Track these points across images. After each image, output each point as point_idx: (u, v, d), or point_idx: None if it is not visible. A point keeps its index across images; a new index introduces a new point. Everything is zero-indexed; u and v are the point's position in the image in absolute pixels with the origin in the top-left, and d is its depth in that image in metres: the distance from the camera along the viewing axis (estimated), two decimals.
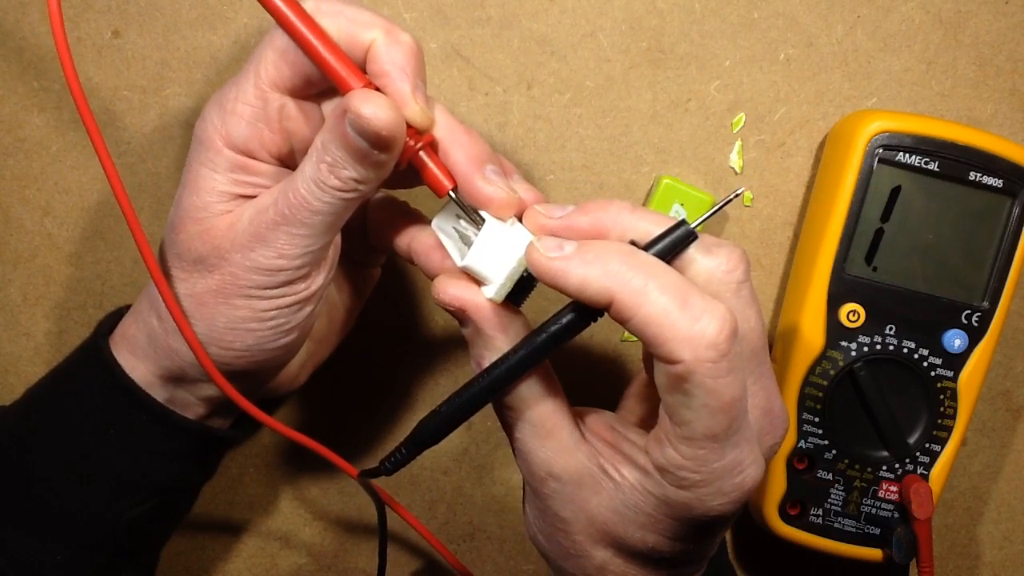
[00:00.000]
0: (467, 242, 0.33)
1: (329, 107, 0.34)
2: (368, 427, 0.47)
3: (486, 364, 0.32)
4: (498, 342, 0.32)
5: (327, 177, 0.31)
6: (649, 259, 0.29)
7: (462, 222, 0.33)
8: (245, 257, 0.32)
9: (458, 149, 0.32)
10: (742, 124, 0.44)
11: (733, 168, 0.45)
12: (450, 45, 0.43)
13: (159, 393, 0.36)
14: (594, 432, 0.34)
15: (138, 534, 0.37)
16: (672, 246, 0.30)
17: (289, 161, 0.34)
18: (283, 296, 0.34)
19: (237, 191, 0.33)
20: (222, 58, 0.42)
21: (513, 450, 0.34)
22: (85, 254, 0.44)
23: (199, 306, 0.34)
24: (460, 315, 0.32)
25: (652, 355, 0.28)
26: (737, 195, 0.32)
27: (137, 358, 0.36)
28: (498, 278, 0.32)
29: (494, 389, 0.32)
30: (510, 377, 0.31)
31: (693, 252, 0.30)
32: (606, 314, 0.29)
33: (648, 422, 0.35)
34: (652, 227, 0.30)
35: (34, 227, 0.44)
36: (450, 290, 0.32)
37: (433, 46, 0.43)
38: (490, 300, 0.32)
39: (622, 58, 0.43)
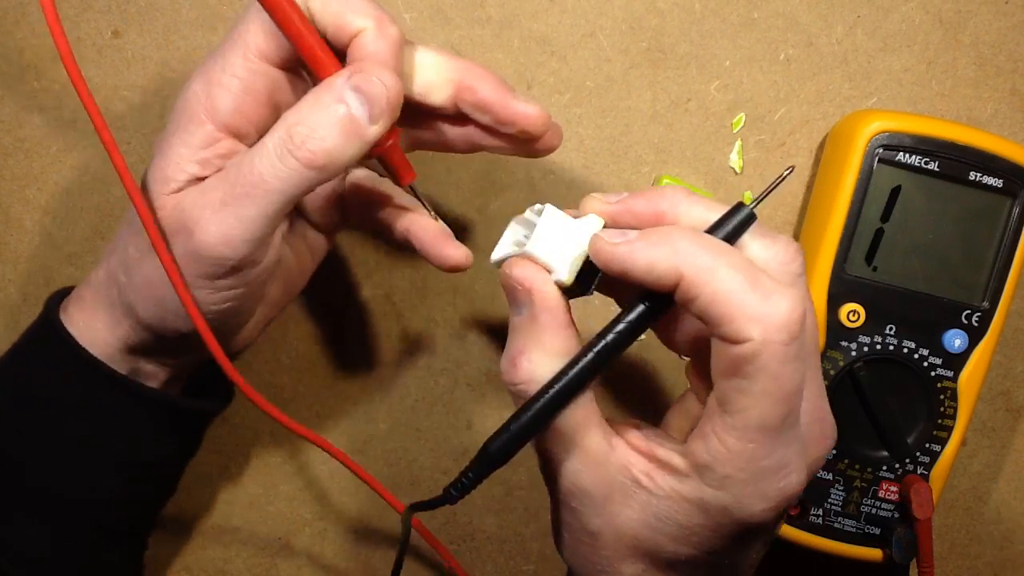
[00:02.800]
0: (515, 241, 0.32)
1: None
2: (366, 426, 0.47)
3: (523, 360, 0.30)
4: (547, 336, 0.30)
5: (297, 148, 0.30)
6: (716, 240, 0.28)
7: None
8: (188, 241, 0.31)
9: (482, 82, 0.33)
10: (742, 124, 0.44)
11: (733, 168, 0.45)
12: (450, 45, 0.43)
13: (121, 366, 0.35)
14: (626, 441, 0.31)
15: (118, 512, 0.37)
16: (734, 229, 0.29)
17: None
18: (231, 288, 0.33)
19: (202, 172, 0.31)
20: None
21: (538, 456, 0.32)
22: (85, 254, 0.44)
23: (147, 287, 0.33)
24: (522, 297, 0.30)
25: (717, 337, 0.27)
26: (791, 171, 0.31)
27: (97, 331, 0.35)
28: (561, 267, 0.30)
29: (570, 392, 0.29)
30: (584, 380, 0.29)
31: (749, 240, 0.29)
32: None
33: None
34: (707, 212, 0.29)
35: (34, 227, 0.44)
36: (517, 271, 0.30)
37: (433, 46, 0.43)
38: (558, 283, 0.30)
39: (622, 58, 0.43)
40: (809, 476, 0.30)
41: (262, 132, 0.32)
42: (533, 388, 0.30)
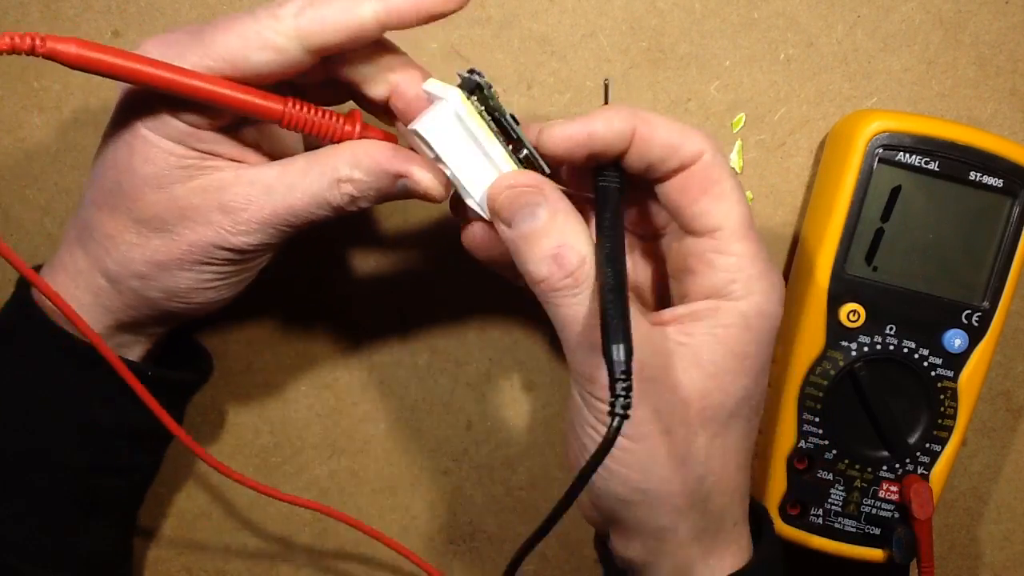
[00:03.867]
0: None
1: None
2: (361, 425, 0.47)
3: (566, 250, 0.31)
4: (572, 220, 0.32)
5: (345, 204, 0.34)
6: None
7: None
8: (222, 239, 0.34)
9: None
10: (742, 124, 0.44)
11: (733, 168, 0.45)
12: (450, 45, 0.43)
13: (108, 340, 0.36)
14: (657, 320, 0.33)
15: (93, 481, 0.37)
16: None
17: (229, 127, 0.34)
18: (249, 268, 0.36)
19: (195, 157, 0.33)
20: None
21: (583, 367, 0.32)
22: None
23: (160, 269, 0.34)
24: (536, 199, 0.32)
25: (676, 169, 0.33)
26: (607, 81, 0.37)
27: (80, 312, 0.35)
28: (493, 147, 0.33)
29: (622, 269, 0.30)
30: (621, 250, 0.31)
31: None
32: None
33: None
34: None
35: (34, 227, 0.44)
36: (523, 178, 0.33)
37: (433, 46, 0.43)
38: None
39: (622, 58, 0.44)
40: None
41: (217, 125, 0.33)
42: (588, 268, 0.31)
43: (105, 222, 0.34)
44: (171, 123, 0.32)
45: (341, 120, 0.34)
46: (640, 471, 0.32)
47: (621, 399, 0.27)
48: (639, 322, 0.31)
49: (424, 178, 0.34)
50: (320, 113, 0.34)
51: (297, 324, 0.46)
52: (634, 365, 0.27)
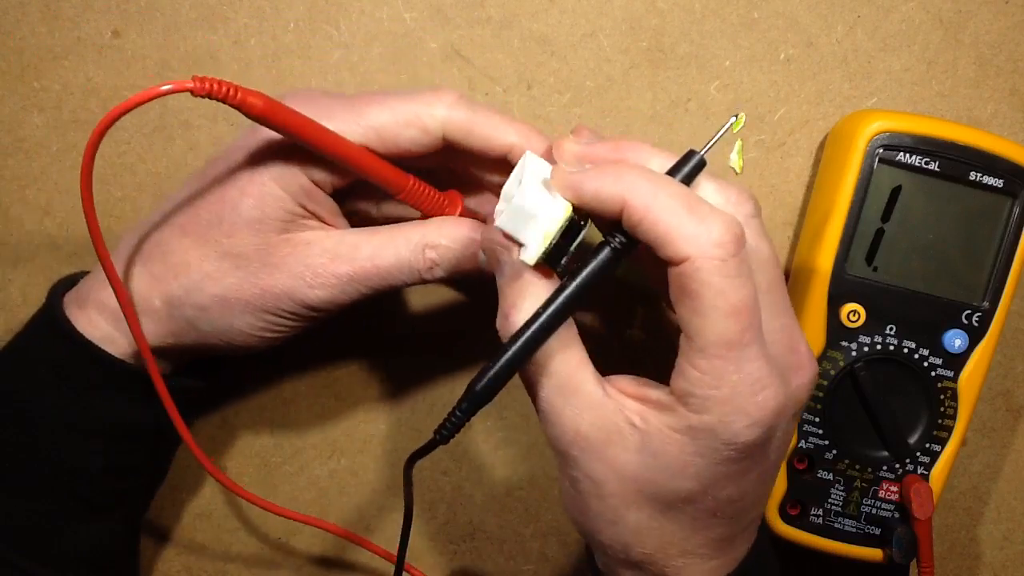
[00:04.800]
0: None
1: None
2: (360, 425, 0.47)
3: (514, 312, 0.32)
4: (532, 288, 0.32)
5: (424, 271, 0.36)
6: (661, 175, 0.30)
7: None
8: (299, 291, 0.35)
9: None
10: (742, 124, 0.44)
11: (733, 168, 0.45)
12: (450, 45, 0.43)
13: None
14: (617, 388, 0.33)
15: (96, 483, 0.37)
16: (686, 175, 0.31)
17: (341, 194, 0.36)
18: (304, 323, 0.37)
19: (299, 213, 0.35)
20: (222, 58, 0.42)
21: (538, 412, 0.34)
22: (85, 254, 0.44)
23: (224, 306, 0.35)
24: (503, 258, 0.33)
25: (663, 261, 0.29)
26: (735, 119, 0.33)
27: (111, 326, 0.36)
28: (532, 245, 0.32)
29: (542, 334, 0.31)
30: (555, 321, 0.31)
31: (703, 183, 0.31)
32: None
33: None
34: (669, 160, 0.31)
35: (34, 227, 0.44)
36: (487, 237, 0.33)
37: (433, 46, 0.43)
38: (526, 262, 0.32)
39: (622, 58, 0.44)
40: (794, 403, 0.31)
41: (336, 188, 0.36)
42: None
43: (188, 249, 0.35)
44: (298, 178, 0.34)
45: (444, 200, 0.37)
46: (579, 514, 0.34)
47: (445, 430, 0.32)
48: (589, 391, 0.32)
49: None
50: (432, 192, 0.37)
51: None
52: (574, 434, 0.31)
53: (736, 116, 0.32)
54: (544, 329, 0.31)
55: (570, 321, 0.33)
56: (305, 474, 0.47)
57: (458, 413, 0.32)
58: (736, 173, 0.45)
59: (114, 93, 0.43)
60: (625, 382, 0.33)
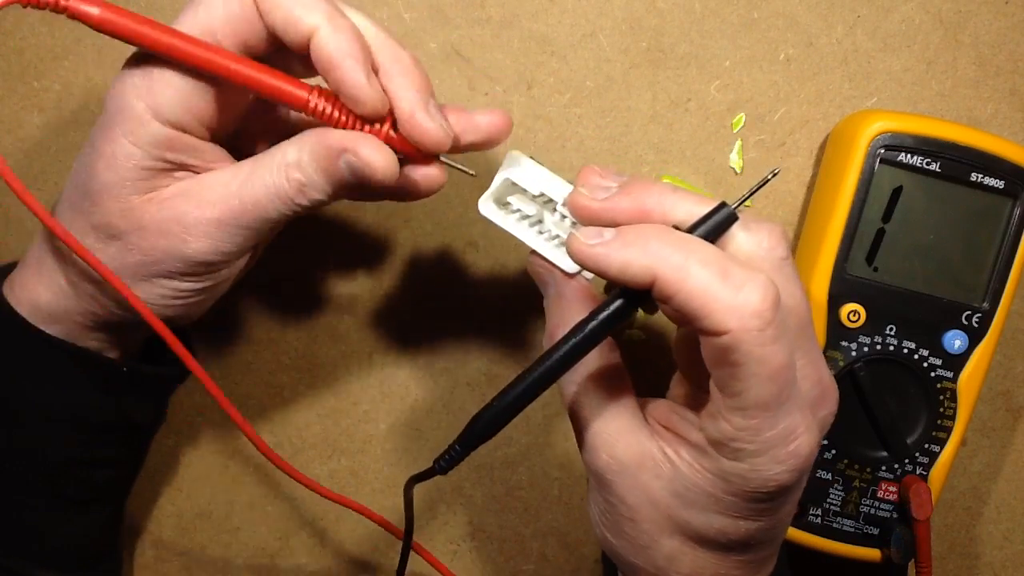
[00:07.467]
0: (528, 218, 0.36)
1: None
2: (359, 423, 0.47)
3: (560, 332, 0.31)
4: (576, 308, 0.33)
5: (295, 194, 0.32)
6: (688, 237, 0.29)
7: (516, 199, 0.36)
8: (175, 247, 0.32)
9: (402, 78, 0.32)
10: (742, 124, 0.44)
11: (733, 168, 0.45)
12: (450, 45, 0.43)
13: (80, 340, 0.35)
14: (654, 416, 0.33)
15: (71, 474, 0.36)
16: (713, 228, 0.30)
17: (223, 136, 0.33)
18: (207, 280, 0.34)
19: (159, 167, 0.32)
20: None
21: (576, 432, 0.34)
22: None
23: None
24: (547, 278, 0.35)
25: (697, 331, 0.28)
26: (775, 174, 0.31)
27: (50, 316, 0.35)
28: (569, 263, 0.34)
29: (545, 379, 0.31)
30: (559, 367, 0.31)
31: (735, 230, 0.30)
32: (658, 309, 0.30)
33: (693, 401, 0.34)
34: (694, 208, 0.30)
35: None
36: (535, 262, 0.35)
37: (433, 46, 0.43)
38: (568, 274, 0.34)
39: (622, 58, 0.43)
40: (821, 433, 0.32)
41: (211, 128, 0.32)
42: None
43: (73, 225, 0.33)
44: (149, 128, 0.31)
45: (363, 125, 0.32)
46: (613, 537, 0.34)
47: (442, 462, 0.33)
48: (627, 417, 0.32)
49: (370, 154, 0.31)
50: (344, 110, 0.32)
51: (297, 324, 0.46)
52: (608, 457, 0.32)
53: (774, 172, 0.31)
54: (546, 376, 0.31)
55: (612, 344, 0.33)
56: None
57: (457, 448, 0.33)
58: (736, 173, 0.45)
59: None
60: (661, 410, 0.33)
